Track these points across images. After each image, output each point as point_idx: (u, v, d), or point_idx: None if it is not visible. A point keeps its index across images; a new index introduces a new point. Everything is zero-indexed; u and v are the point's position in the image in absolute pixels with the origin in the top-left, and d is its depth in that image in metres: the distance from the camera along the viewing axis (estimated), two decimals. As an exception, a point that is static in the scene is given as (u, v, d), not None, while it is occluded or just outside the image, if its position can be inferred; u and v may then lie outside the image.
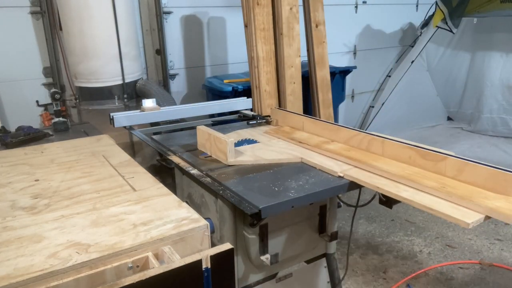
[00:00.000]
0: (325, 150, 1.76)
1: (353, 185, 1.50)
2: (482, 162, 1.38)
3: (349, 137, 1.83)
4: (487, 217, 1.20)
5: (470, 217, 1.19)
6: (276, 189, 1.44)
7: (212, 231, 1.24)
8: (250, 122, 2.34)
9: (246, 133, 2.15)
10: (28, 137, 2.09)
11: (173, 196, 1.39)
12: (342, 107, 4.19)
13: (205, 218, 1.22)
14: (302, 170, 1.62)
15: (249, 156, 1.75)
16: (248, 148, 1.87)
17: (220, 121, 2.47)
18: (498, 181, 1.30)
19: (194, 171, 1.65)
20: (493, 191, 1.30)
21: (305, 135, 2.02)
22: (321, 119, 2.08)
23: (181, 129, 2.30)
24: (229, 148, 1.67)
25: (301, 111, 3.09)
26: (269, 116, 2.40)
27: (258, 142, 1.96)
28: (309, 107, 3.31)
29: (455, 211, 1.22)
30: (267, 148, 1.88)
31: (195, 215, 1.24)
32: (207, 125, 2.32)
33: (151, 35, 4.23)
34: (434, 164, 1.48)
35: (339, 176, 1.53)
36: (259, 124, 2.33)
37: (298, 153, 1.77)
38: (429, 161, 1.50)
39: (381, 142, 1.69)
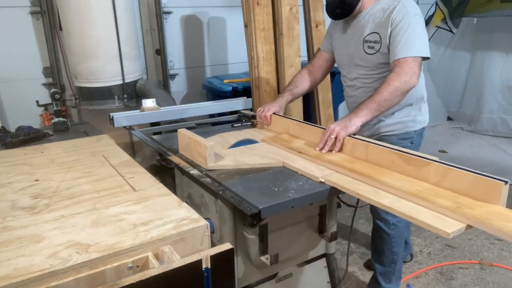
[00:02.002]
0: (308, 155, 1.71)
1: (334, 191, 1.46)
2: (465, 168, 1.33)
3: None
4: (469, 226, 1.15)
5: (451, 226, 1.14)
6: (276, 189, 1.44)
7: (212, 231, 1.24)
8: (235, 125, 2.26)
9: (230, 136, 2.07)
10: (28, 137, 2.09)
11: (173, 196, 1.39)
12: (342, 107, 4.19)
13: (205, 218, 1.22)
14: (284, 175, 1.57)
15: (229, 160, 1.68)
16: (231, 152, 1.81)
17: (204, 123, 2.41)
18: (481, 188, 1.25)
19: (194, 171, 1.65)
20: (476, 198, 1.26)
21: (299, 142, 1.91)
22: (305, 122, 1.99)
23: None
24: (208, 153, 1.61)
25: (301, 111, 3.09)
26: (255, 118, 2.29)
27: (258, 142, 1.96)
28: (309, 107, 3.32)
29: (436, 220, 1.18)
30: (250, 152, 1.81)
31: (195, 215, 1.24)
32: (189, 128, 2.23)
33: (151, 35, 4.23)
34: (417, 170, 1.44)
35: (320, 182, 1.49)
36: (245, 127, 2.26)
37: (281, 157, 1.71)
38: (413, 167, 1.45)
39: (365, 146, 1.64)
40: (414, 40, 1.82)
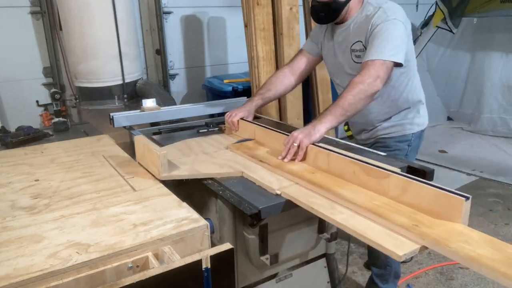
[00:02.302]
0: (270, 164, 1.61)
1: (290, 204, 1.37)
2: (427, 182, 1.24)
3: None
4: (424, 247, 1.08)
5: (404, 247, 1.06)
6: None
7: (212, 231, 1.24)
8: (200, 131, 2.12)
9: (195, 142, 1.96)
10: (28, 137, 2.09)
11: (173, 196, 1.39)
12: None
13: (205, 218, 1.22)
14: (241, 184, 1.50)
15: (185, 170, 1.58)
16: (189, 160, 1.71)
17: (171, 129, 2.26)
18: (442, 204, 1.16)
19: (194, 171, 1.65)
20: (437, 215, 1.17)
21: (263, 150, 1.80)
22: (272, 128, 1.88)
23: (181, 129, 2.29)
24: (161, 162, 1.50)
25: (301, 111, 3.09)
26: (223, 123, 2.17)
27: (253, 139, 1.93)
28: (309, 107, 3.32)
29: (389, 240, 1.09)
30: (210, 160, 1.71)
31: (195, 215, 1.24)
32: (154, 134, 2.17)
33: (151, 35, 4.23)
34: (377, 182, 1.34)
35: (277, 194, 1.40)
36: (211, 133, 2.12)
37: (241, 167, 1.61)
38: (373, 178, 1.36)
39: (326, 155, 1.54)
40: (388, 44, 1.74)
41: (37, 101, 3.72)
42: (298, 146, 1.63)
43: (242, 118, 2.06)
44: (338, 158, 1.50)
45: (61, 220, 1.23)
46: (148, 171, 1.60)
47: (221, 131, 2.14)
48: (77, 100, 3.49)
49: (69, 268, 0.99)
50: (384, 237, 1.11)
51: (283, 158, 1.64)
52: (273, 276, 1.70)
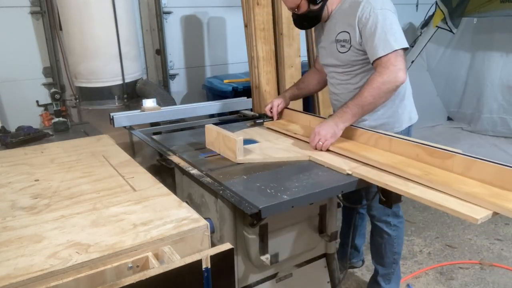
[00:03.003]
0: (334, 147, 1.76)
1: (362, 183, 1.50)
2: (489, 160, 1.39)
3: (357, 135, 1.84)
4: (495, 213, 1.20)
5: (479, 213, 1.19)
6: (278, 189, 1.44)
7: (212, 231, 1.24)
8: (257, 121, 2.31)
9: (254, 131, 2.16)
10: (28, 137, 2.09)
11: (173, 196, 1.39)
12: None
13: (205, 218, 1.22)
14: (310, 168, 1.63)
15: (257, 154, 1.76)
16: (256, 146, 1.87)
17: (225, 121, 2.44)
18: (506, 177, 1.31)
19: (194, 171, 1.65)
20: (502, 188, 1.31)
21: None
22: (321, 116, 2.05)
23: (181, 129, 2.30)
24: (238, 147, 1.67)
25: (301, 110, 3.09)
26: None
27: (258, 142, 1.96)
28: (309, 107, 3.32)
29: (464, 208, 1.22)
30: (274, 146, 1.88)
31: (195, 215, 1.24)
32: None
33: (151, 35, 4.23)
34: (441, 162, 1.49)
35: (348, 174, 1.53)
36: (266, 121, 2.30)
37: (306, 151, 1.77)
38: (437, 159, 1.51)
39: (388, 140, 1.70)
40: (388, 34, 1.76)
41: (37, 101, 3.71)
42: (323, 144, 1.76)
43: (285, 107, 2.29)
44: (401, 142, 1.64)
45: (61, 220, 1.23)
46: (223, 157, 1.77)
47: (271, 118, 2.31)
48: (77, 100, 3.49)
49: (69, 268, 0.99)
50: (459, 206, 1.24)
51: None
52: (273, 276, 1.70)
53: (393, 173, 1.49)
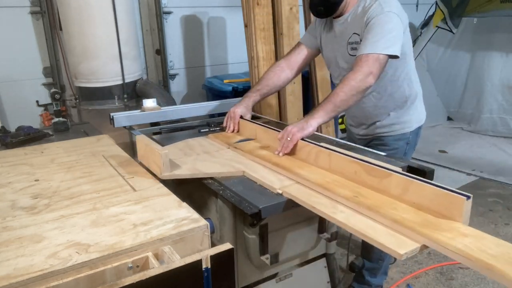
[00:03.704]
0: (271, 163, 1.62)
1: (291, 203, 1.37)
2: (428, 181, 1.24)
3: (298, 149, 1.69)
4: (424, 247, 1.08)
5: (405, 246, 1.06)
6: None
7: (212, 231, 1.24)
8: (202, 130, 2.13)
9: (196, 142, 1.95)
10: (28, 137, 2.09)
11: (173, 196, 1.39)
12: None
13: (205, 218, 1.22)
14: (241, 184, 1.50)
15: (187, 169, 1.59)
16: (190, 159, 1.71)
17: (171, 129, 2.26)
18: (443, 202, 1.16)
19: (194, 171, 1.64)
20: (438, 214, 1.17)
21: (263, 150, 1.79)
22: (272, 127, 1.88)
23: (181, 129, 2.29)
24: (162, 161, 1.50)
25: (301, 111, 3.09)
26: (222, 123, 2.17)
27: (253, 139, 1.93)
28: (309, 107, 3.32)
29: (391, 239, 1.09)
30: (211, 159, 1.72)
31: (195, 215, 1.24)
32: (154, 134, 2.18)
33: (151, 35, 4.23)
34: (379, 181, 1.35)
35: (278, 193, 1.41)
36: (213, 132, 2.10)
37: (242, 166, 1.62)
38: (374, 177, 1.36)
39: (328, 155, 1.55)
40: (382, 37, 1.73)
41: (37, 101, 3.72)
42: (290, 140, 1.68)
43: (241, 117, 2.06)
44: (340, 157, 1.50)
45: (61, 220, 1.23)
46: (149, 171, 1.60)
47: (222, 130, 2.13)
48: (77, 100, 3.49)
49: (69, 268, 0.99)
50: (386, 237, 1.11)
51: (278, 152, 1.70)
52: (273, 276, 1.70)
53: (324, 195, 1.37)
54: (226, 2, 4.40)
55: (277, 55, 2.92)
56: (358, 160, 1.44)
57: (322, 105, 1.75)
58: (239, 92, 3.55)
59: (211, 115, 2.66)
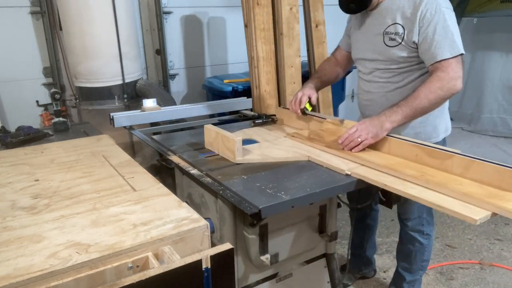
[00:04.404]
0: (332, 149, 1.76)
1: (360, 183, 1.50)
2: (488, 160, 1.38)
3: None
4: (494, 214, 1.20)
5: (478, 213, 1.19)
6: (276, 190, 1.44)
7: (212, 231, 1.24)
8: (256, 121, 2.29)
9: (252, 132, 2.15)
10: (28, 137, 2.09)
11: (173, 196, 1.39)
12: (342, 107, 4.19)
13: (205, 218, 1.22)
14: (309, 168, 1.63)
15: (256, 154, 1.76)
16: (255, 146, 1.87)
17: (225, 121, 2.45)
18: (504, 178, 1.31)
19: (194, 171, 1.65)
20: (500, 188, 1.31)
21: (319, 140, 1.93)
22: (325, 117, 2.02)
23: (181, 129, 2.30)
24: (237, 147, 1.67)
25: (301, 111, 3.08)
26: (275, 115, 2.38)
27: (258, 142, 1.96)
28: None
29: (463, 208, 1.22)
30: (274, 146, 1.88)
31: (195, 215, 1.24)
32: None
33: (151, 35, 4.23)
34: (440, 162, 1.49)
35: (347, 174, 1.53)
36: (265, 123, 2.30)
37: (305, 152, 1.77)
38: (436, 159, 1.51)
39: (387, 141, 1.70)
40: (452, 38, 1.66)
41: (37, 101, 3.71)
42: (360, 142, 1.68)
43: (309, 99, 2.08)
44: (399, 142, 1.65)
45: (61, 220, 1.23)
46: (221, 157, 1.77)
47: (273, 122, 2.32)
48: (77, 100, 3.49)
49: (69, 268, 0.99)
50: (458, 206, 1.24)
51: (343, 146, 1.71)
52: (273, 276, 1.70)
53: (391, 174, 1.49)
54: (226, 2, 4.40)
55: (277, 55, 2.92)
56: (419, 144, 1.58)
57: (403, 108, 1.68)
58: (239, 92, 3.54)
59: (211, 115, 2.66)
